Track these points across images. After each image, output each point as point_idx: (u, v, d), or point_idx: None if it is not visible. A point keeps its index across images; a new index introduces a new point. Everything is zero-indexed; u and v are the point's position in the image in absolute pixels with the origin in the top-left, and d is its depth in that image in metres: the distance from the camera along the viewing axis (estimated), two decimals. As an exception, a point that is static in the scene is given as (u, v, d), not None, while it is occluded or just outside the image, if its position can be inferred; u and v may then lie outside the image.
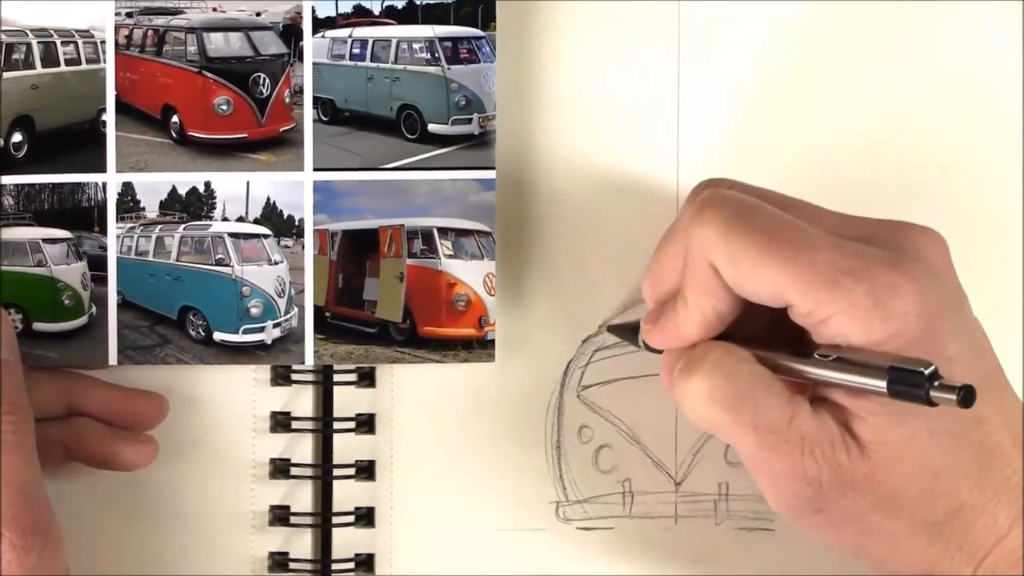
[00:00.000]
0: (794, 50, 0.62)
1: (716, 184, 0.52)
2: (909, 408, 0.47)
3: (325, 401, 0.61)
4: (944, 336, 0.48)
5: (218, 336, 0.60)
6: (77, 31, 0.60)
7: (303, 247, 0.60)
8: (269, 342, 0.60)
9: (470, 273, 0.60)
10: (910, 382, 0.46)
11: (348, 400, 0.61)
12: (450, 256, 0.60)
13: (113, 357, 0.60)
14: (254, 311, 0.60)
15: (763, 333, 0.52)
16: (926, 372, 0.46)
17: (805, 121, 0.63)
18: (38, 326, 0.59)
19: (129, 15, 0.60)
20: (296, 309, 0.60)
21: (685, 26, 0.62)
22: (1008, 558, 0.49)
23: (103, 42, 0.60)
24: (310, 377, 0.61)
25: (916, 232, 0.51)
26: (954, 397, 0.45)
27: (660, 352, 0.54)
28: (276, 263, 0.60)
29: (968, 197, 0.63)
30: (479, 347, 0.60)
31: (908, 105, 0.63)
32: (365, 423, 0.62)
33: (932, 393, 0.46)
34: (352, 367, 0.61)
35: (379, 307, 0.61)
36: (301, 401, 0.62)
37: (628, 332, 0.57)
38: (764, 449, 0.49)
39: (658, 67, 0.62)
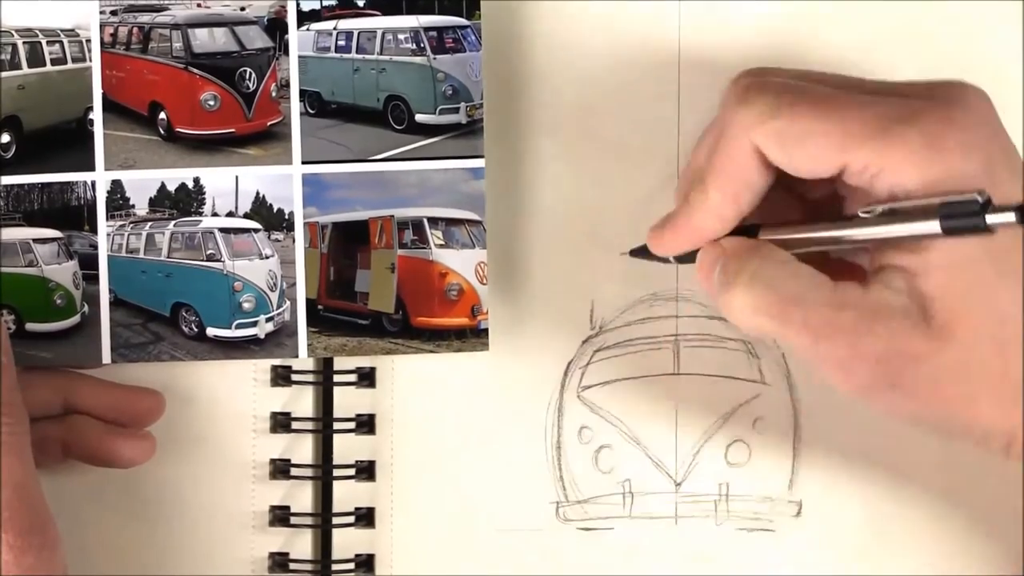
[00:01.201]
0: (794, 50, 0.63)
1: (758, 71, 0.52)
2: (973, 255, 0.47)
3: (325, 401, 0.62)
4: (999, 173, 0.47)
5: (211, 332, 0.60)
6: (62, 30, 0.60)
7: (294, 240, 0.60)
8: (262, 336, 0.60)
9: (462, 262, 0.60)
10: (964, 211, 0.45)
11: (348, 400, 0.62)
12: (441, 246, 0.60)
13: (107, 355, 0.59)
14: (246, 306, 0.60)
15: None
16: (980, 199, 0.45)
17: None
18: (31, 326, 0.59)
19: (114, 13, 0.60)
20: (288, 303, 0.60)
21: (684, 24, 0.62)
22: None
23: (88, 41, 0.60)
24: (310, 377, 0.61)
25: (961, 87, 0.50)
26: (1012, 217, 0.44)
27: (692, 262, 0.53)
28: (267, 257, 0.60)
29: None
30: (472, 336, 0.60)
31: None
32: (365, 423, 0.62)
33: (988, 218, 0.44)
34: (352, 368, 0.61)
35: (371, 298, 0.61)
36: (301, 401, 0.62)
37: (646, 251, 0.56)
38: (822, 341, 0.48)
39: (653, 53, 0.62)
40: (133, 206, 0.60)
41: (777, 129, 0.49)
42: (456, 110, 0.60)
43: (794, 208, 0.54)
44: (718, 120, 0.52)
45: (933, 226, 0.46)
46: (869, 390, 0.49)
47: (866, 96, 0.49)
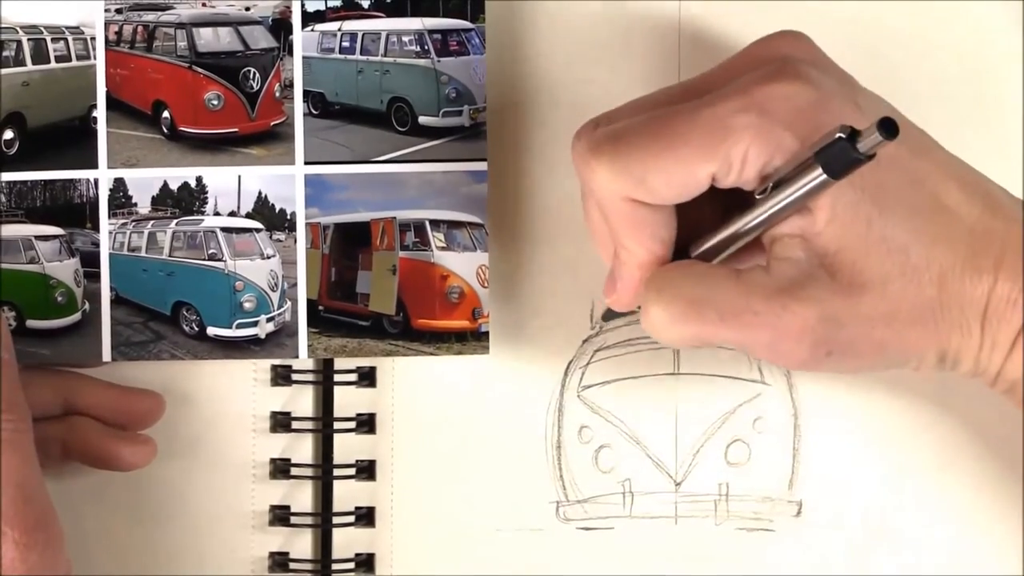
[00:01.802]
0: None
1: (588, 129, 0.52)
2: (854, 199, 0.48)
3: (325, 401, 0.62)
4: (844, 105, 0.49)
5: (212, 331, 0.60)
6: (67, 28, 0.60)
7: (295, 241, 0.60)
8: (263, 336, 0.60)
9: (463, 265, 0.61)
10: (838, 154, 0.46)
11: (348, 400, 0.62)
12: (443, 248, 0.61)
13: (107, 353, 0.59)
14: (247, 305, 0.60)
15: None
16: (844, 134, 0.45)
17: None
18: (31, 324, 0.59)
19: (119, 11, 0.60)
20: (289, 303, 0.60)
21: (686, 28, 0.63)
22: (1005, 301, 0.49)
23: (93, 38, 0.60)
24: (310, 377, 0.61)
25: (773, 42, 0.52)
26: (877, 135, 0.44)
27: None
28: (268, 257, 0.60)
29: None
30: (473, 339, 0.60)
31: (908, 105, 0.63)
32: (365, 423, 0.62)
33: (859, 146, 0.45)
34: (352, 367, 0.61)
35: (372, 300, 0.61)
36: (301, 401, 0.62)
37: (612, 312, 0.57)
38: (745, 330, 0.49)
39: (655, 57, 0.63)
40: (135, 204, 0.60)
41: (633, 177, 0.49)
42: (459, 113, 0.61)
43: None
44: (584, 193, 0.53)
45: (819, 175, 0.47)
46: (809, 362, 0.49)
47: (692, 105, 0.50)
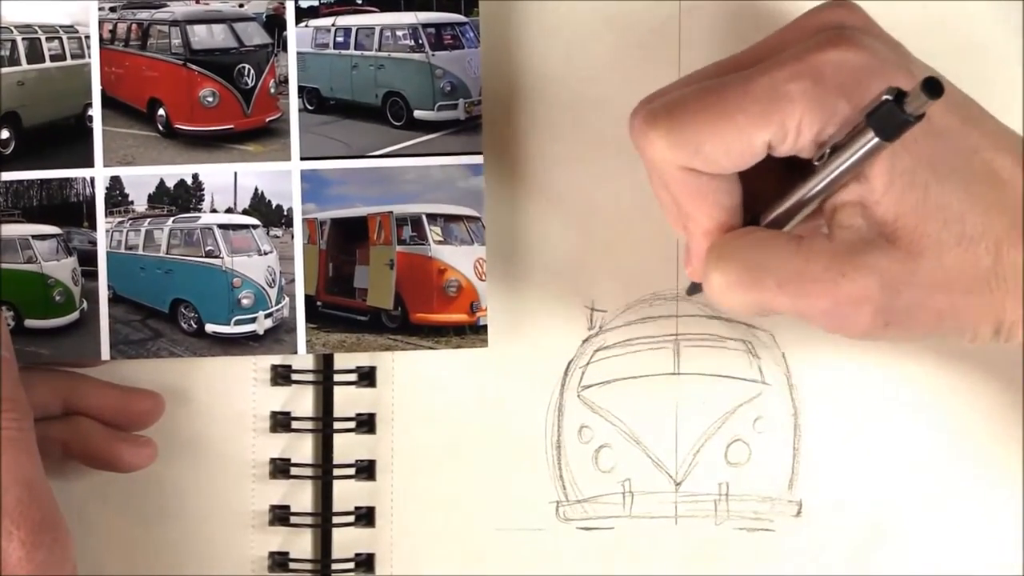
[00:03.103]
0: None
1: (644, 102, 0.52)
2: (910, 166, 0.48)
3: (325, 401, 0.62)
4: (897, 72, 0.48)
5: (210, 328, 0.60)
6: (61, 27, 0.60)
7: (292, 236, 0.60)
8: (261, 333, 0.60)
9: (460, 258, 0.60)
10: (887, 115, 0.46)
11: (348, 400, 0.61)
12: (440, 242, 0.60)
13: (105, 352, 0.60)
14: (245, 302, 0.60)
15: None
16: (891, 96, 0.46)
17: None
18: (30, 323, 0.59)
19: (112, 10, 0.60)
20: (287, 299, 0.60)
21: (685, 20, 0.62)
22: None
23: (87, 37, 0.60)
24: (310, 377, 0.61)
25: (826, 11, 0.52)
26: (923, 95, 0.44)
27: None
28: (266, 253, 0.60)
29: None
30: (471, 333, 0.60)
31: None
32: (365, 423, 0.62)
33: (906, 107, 0.45)
34: (352, 367, 0.61)
35: (370, 295, 0.61)
36: (301, 401, 0.62)
37: (697, 287, 0.56)
38: (803, 298, 0.49)
39: (653, 50, 0.62)
40: (132, 202, 0.60)
41: (688, 146, 0.49)
42: (454, 106, 0.60)
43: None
44: (645, 161, 0.52)
45: (872, 138, 0.47)
46: (867, 332, 0.49)
47: (746, 74, 0.49)
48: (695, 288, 0.57)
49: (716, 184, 0.51)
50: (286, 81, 0.60)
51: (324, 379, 0.61)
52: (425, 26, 0.60)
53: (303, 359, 0.61)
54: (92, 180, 0.60)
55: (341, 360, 0.61)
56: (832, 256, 0.49)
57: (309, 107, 0.60)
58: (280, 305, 0.60)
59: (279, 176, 0.60)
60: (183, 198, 0.60)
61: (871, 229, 0.49)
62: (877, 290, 0.48)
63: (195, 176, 0.60)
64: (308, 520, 0.61)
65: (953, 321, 0.50)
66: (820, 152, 0.49)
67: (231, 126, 0.60)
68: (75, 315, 0.60)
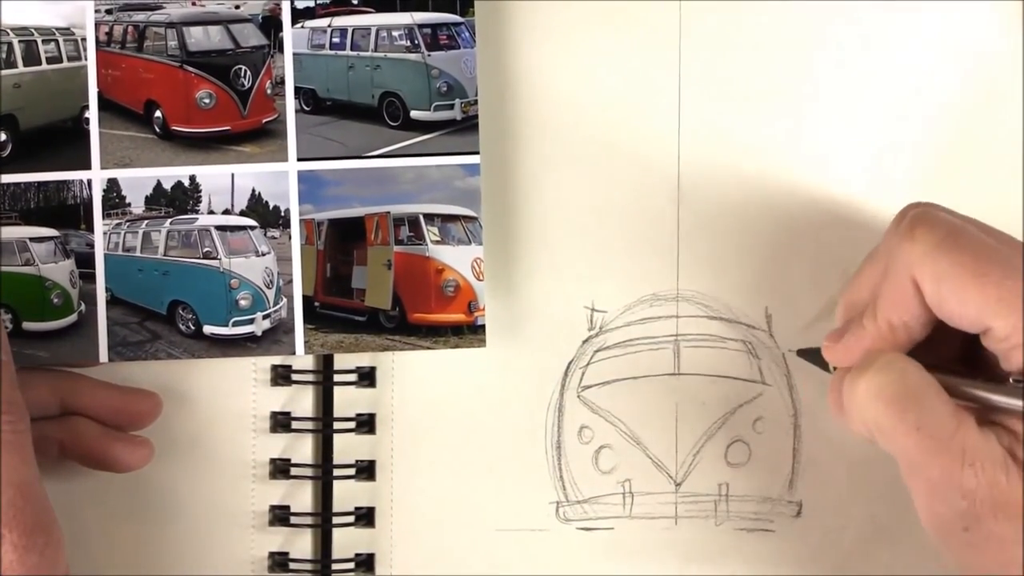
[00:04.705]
0: (795, 49, 0.62)
1: (926, 206, 0.52)
2: None
3: (325, 401, 0.61)
4: None
5: (208, 329, 0.60)
6: (58, 29, 0.60)
7: (290, 237, 0.60)
8: (259, 334, 0.60)
9: (458, 258, 0.60)
10: None
11: (348, 400, 0.61)
12: (437, 242, 0.60)
13: (104, 354, 0.60)
14: (243, 303, 0.60)
15: (942, 364, 0.52)
16: None
17: (805, 120, 0.62)
18: (28, 325, 0.59)
19: (109, 12, 0.60)
20: (285, 300, 0.60)
21: (685, 20, 0.62)
22: None
23: (84, 39, 0.60)
24: (310, 377, 0.61)
25: None
26: None
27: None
28: (263, 254, 0.60)
29: (967, 198, 0.61)
30: (470, 332, 0.60)
31: (907, 104, 0.62)
32: (365, 423, 0.62)
33: None
34: (352, 367, 0.61)
35: (368, 295, 0.61)
36: (301, 401, 0.62)
37: (815, 355, 0.56)
38: (924, 453, 0.49)
39: (651, 49, 0.62)
40: (129, 204, 0.60)
41: (935, 273, 0.50)
42: (451, 106, 0.60)
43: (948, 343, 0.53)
44: (882, 248, 0.53)
45: None
46: (943, 523, 0.49)
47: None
48: (807, 353, 0.58)
49: (925, 312, 0.51)
50: (282, 82, 0.60)
51: (324, 379, 0.61)
52: (421, 26, 0.60)
53: (303, 359, 0.61)
54: (89, 182, 0.60)
55: (341, 360, 0.61)
56: (974, 447, 0.48)
57: (306, 108, 0.60)
58: (278, 306, 0.60)
59: (276, 177, 0.60)
60: (180, 200, 0.60)
61: (1010, 454, 0.49)
62: (984, 498, 0.48)
63: (192, 178, 0.60)
64: (308, 520, 0.61)
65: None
66: (1021, 378, 0.49)
67: (228, 127, 0.60)
68: (73, 317, 0.60)
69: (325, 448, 0.61)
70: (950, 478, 0.48)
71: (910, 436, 0.49)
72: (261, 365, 0.61)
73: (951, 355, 0.53)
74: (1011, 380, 0.49)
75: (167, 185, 0.60)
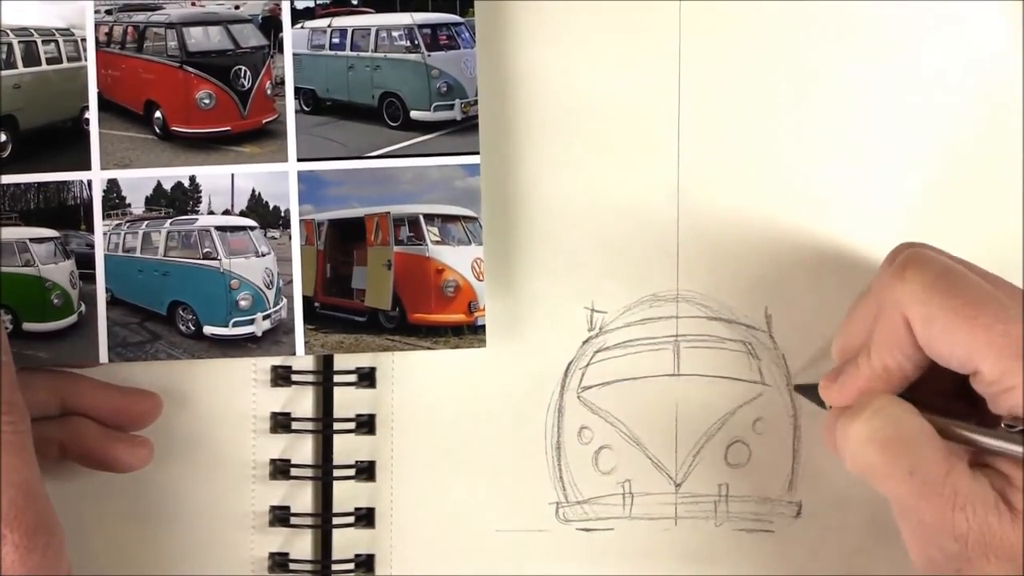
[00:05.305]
0: (795, 49, 0.62)
1: (918, 246, 0.53)
2: None
3: (325, 401, 0.61)
4: None
5: (208, 330, 0.60)
6: (57, 30, 0.60)
7: (290, 238, 0.60)
8: (259, 334, 0.60)
9: (458, 258, 0.60)
10: None
11: (348, 400, 0.61)
12: (437, 242, 0.60)
13: (104, 355, 0.60)
14: (243, 303, 0.60)
15: (938, 401, 0.52)
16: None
17: (805, 120, 0.62)
18: (28, 326, 0.59)
19: (108, 12, 0.60)
20: (285, 300, 0.60)
21: (685, 20, 0.62)
22: None
23: (84, 40, 0.60)
24: (310, 377, 0.61)
25: None
26: None
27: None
28: (263, 255, 0.60)
29: (967, 198, 0.62)
30: (469, 333, 0.60)
31: (908, 105, 0.62)
32: (365, 423, 0.62)
33: None
34: (352, 368, 0.61)
35: (368, 295, 0.61)
36: (301, 401, 0.62)
37: (813, 392, 0.57)
38: (917, 497, 0.49)
39: (651, 49, 0.62)
40: (129, 205, 0.60)
41: (925, 314, 0.50)
42: (451, 107, 0.60)
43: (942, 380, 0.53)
44: (874, 287, 0.53)
45: None
46: (935, 565, 0.50)
47: (1017, 309, 0.49)
48: (805, 389, 0.59)
49: (917, 352, 0.51)
50: (282, 82, 0.60)
51: (324, 380, 0.61)
52: (421, 27, 0.60)
53: (303, 360, 0.61)
54: (89, 183, 0.60)
55: (341, 361, 0.61)
56: (966, 490, 0.49)
57: (305, 108, 0.60)
58: (278, 307, 0.60)
59: (276, 177, 0.60)
60: (180, 200, 0.60)
61: (1002, 498, 0.49)
62: (976, 540, 0.48)
63: (192, 178, 0.60)
64: (308, 521, 0.61)
65: None
66: (1014, 422, 0.49)
67: (228, 128, 0.60)
68: (73, 318, 0.60)
69: (325, 449, 0.61)
70: (942, 521, 0.49)
71: (903, 481, 0.50)
72: (261, 366, 0.61)
73: (946, 389, 0.53)
74: (1003, 424, 0.50)
75: (167, 186, 0.60)
